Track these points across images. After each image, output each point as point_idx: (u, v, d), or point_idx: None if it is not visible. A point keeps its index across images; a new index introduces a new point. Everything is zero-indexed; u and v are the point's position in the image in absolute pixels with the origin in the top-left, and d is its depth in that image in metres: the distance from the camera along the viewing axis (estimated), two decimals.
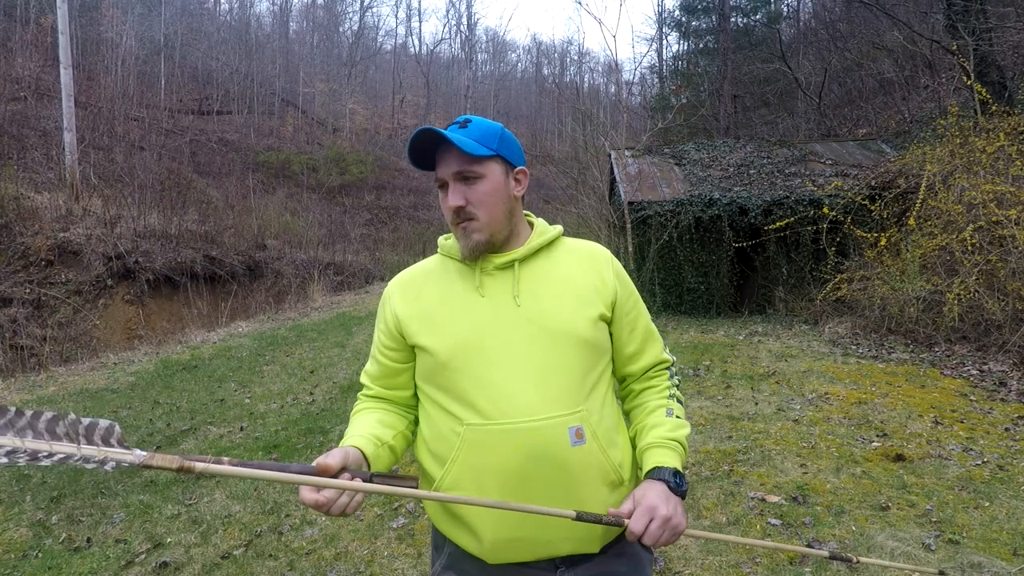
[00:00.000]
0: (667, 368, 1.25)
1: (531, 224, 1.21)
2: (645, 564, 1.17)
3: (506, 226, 1.12)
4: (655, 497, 1.01)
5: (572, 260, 1.18)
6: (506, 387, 1.04)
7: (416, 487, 0.99)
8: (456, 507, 1.06)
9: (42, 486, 3.72)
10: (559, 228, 1.21)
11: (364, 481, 0.95)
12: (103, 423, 0.74)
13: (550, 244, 1.18)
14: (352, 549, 2.85)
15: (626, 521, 1.00)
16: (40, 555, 2.93)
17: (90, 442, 0.72)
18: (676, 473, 1.07)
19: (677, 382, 1.25)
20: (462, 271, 1.14)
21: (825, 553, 1.24)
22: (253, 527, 3.11)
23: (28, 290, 11.06)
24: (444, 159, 1.09)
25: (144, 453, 0.73)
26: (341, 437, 1.10)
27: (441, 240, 1.22)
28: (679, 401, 1.21)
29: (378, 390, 1.20)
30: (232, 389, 5.93)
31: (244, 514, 3.25)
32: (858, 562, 1.22)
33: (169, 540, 3.00)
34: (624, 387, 1.26)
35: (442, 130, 1.06)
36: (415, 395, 1.20)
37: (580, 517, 0.96)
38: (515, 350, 1.06)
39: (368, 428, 1.11)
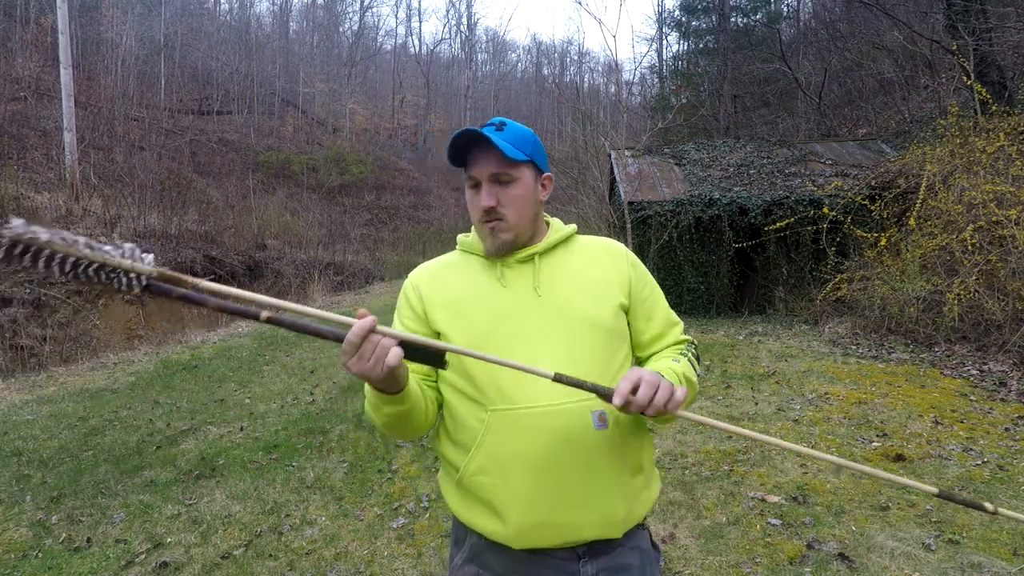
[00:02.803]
0: (688, 344, 1.26)
1: (547, 223, 1.26)
2: (654, 561, 1.19)
3: (530, 228, 1.17)
4: (641, 370, 0.95)
5: (588, 255, 1.22)
6: None
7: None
8: (484, 493, 1.07)
9: (42, 486, 3.72)
10: (574, 226, 1.27)
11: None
12: (128, 245, 0.79)
13: (567, 240, 1.23)
14: (352, 549, 2.86)
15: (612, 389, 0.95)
16: (40, 555, 2.93)
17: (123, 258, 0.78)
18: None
19: (695, 352, 1.25)
20: (484, 265, 1.19)
21: (829, 457, 1.03)
22: (253, 527, 3.11)
23: (28, 290, 11.04)
24: (480, 159, 1.12)
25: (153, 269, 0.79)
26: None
27: (460, 237, 1.27)
28: (691, 364, 1.18)
29: None
30: (232, 389, 5.93)
31: (244, 514, 3.26)
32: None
33: (169, 540, 3.01)
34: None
35: (484, 131, 1.08)
36: (436, 389, 1.18)
37: (558, 378, 0.93)
38: (538, 336, 1.09)
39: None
